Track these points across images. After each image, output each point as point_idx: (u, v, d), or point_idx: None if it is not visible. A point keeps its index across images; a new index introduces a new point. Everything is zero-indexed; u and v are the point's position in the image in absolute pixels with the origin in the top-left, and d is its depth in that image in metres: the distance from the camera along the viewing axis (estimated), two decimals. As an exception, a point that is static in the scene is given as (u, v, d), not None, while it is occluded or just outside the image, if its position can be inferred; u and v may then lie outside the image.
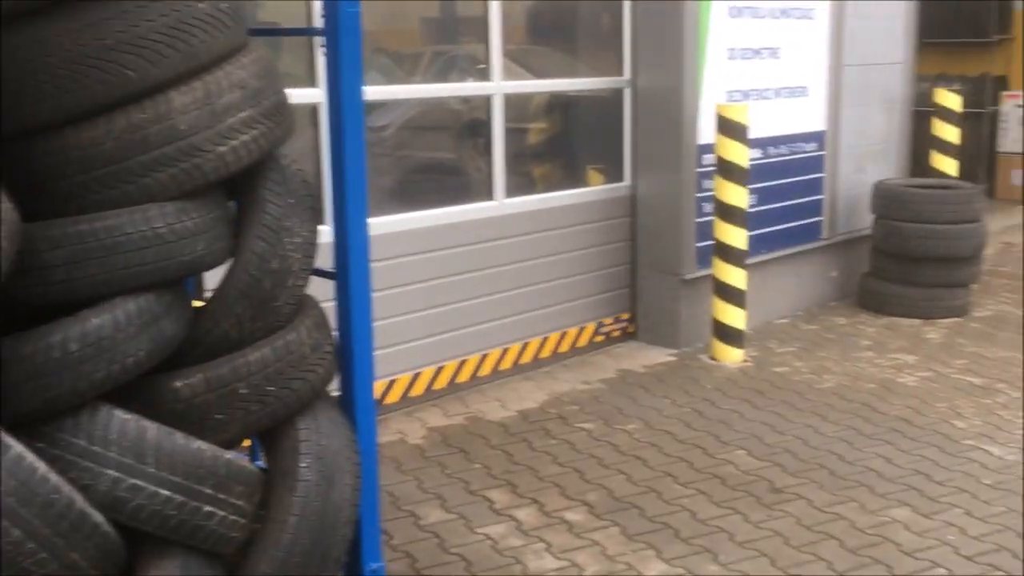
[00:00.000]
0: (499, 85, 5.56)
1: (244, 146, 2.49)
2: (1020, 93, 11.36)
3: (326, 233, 2.80)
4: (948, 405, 5.27)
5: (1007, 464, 4.54)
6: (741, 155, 5.72)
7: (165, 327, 2.43)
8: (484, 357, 5.65)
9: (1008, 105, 11.42)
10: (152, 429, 2.35)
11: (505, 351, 5.75)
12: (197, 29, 2.42)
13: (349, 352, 2.87)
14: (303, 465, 2.58)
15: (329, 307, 2.85)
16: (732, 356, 5.95)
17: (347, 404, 2.89)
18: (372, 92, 5.09)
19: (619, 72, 6.18)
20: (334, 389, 2.86)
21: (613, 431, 4.98)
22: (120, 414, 2.32)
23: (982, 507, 4.13)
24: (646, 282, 6.28)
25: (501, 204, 5.63)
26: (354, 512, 2.70)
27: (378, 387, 5.14)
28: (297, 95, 4.44)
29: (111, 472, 2.27)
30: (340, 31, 2.71)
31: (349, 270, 2.84)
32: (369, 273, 2.89)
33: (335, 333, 2.86)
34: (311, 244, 2.69)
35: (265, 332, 2.60)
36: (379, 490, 3.02)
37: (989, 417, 5.10)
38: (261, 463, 2.97)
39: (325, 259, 2.86)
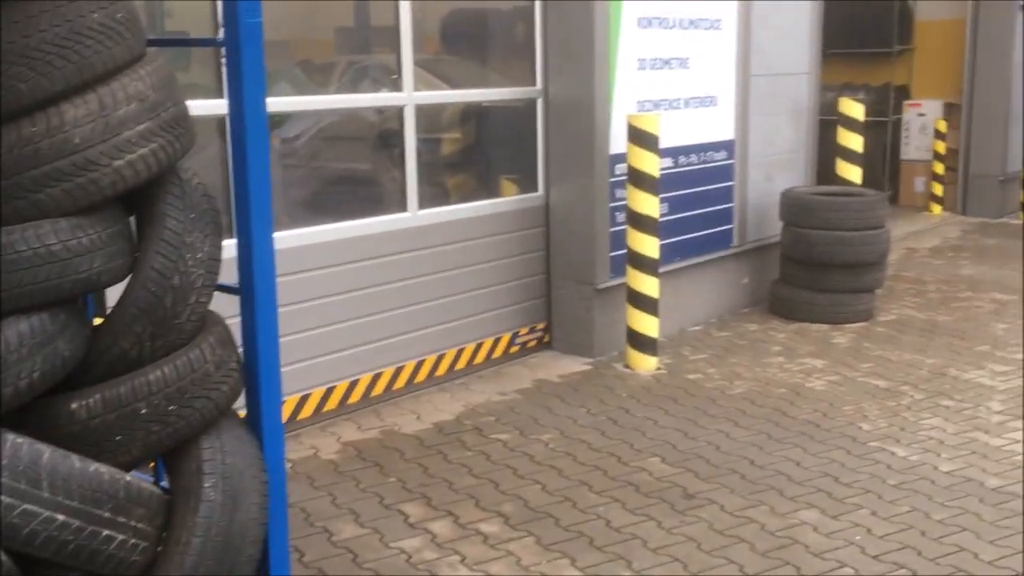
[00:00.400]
0: (411, 96, 5.54)
1: (142, 159, 2.43)
2: (921, 102, 11.74)
3: (230, 247, 2.74)
4: (855, 408, 5.40)
5: (910, 464, 4.66)
6: (652, 164, 5.79)
7: (60, 347, 2.35)
8: (399, 370, 5.61)
9: (910, 114, 11.80)
10: (47, 452, 2.27)
11: (420, 363, 5.72)
12: (91, 40, 2.35)
13: (255, 369, 2.82)
14: (207, 485, 2.52)
15: (235, 323, 2.79)
16: (646, 364, 6.01)
17: (254, 422, 2.84)
18: (280, 103, 5.05)
19: (532, 82, 6.21)
20: (241, 406, 2.81)
21: (529, 441, 4.99)
22: (13, 438, 2.24)
23: (887, 507, 4.23)
24: (560, 292, 6.31)
25: (415, 215, 5.61)
26: (261, 531, 2.65)
27: (291, 402, 5.07)
28: (204, 106, 4.38)
29: (3, 498, 2.19)
30: (241, 42, 2.66)
31: (254, 285, 2.79)
32: (275, 288, 2.84)
33: (241, 350, 2.81)
34: (214, 259, 2.63)
35: (166, 350, 2.54)
36: (288, 507, 2.97)
37: (893, 419, 5.23)
38: (165, 484, 2.90)
39: (230, 274, 2.81)
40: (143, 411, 2.45)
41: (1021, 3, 10.86)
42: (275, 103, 5.02)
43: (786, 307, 7.20)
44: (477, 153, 6.44)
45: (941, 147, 11.28)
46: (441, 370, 5.84)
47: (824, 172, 8.27)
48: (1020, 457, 4.71)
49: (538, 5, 6.10)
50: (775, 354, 6.37)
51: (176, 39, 4.72)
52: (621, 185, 6.10)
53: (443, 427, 5.20)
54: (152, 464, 3.27)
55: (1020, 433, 4.99)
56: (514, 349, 6.25)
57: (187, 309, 2.55)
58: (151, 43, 2.65)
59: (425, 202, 5.68)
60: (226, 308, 2.86)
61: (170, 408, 2.49)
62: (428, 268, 5.68)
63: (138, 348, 2.50)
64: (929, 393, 5.61)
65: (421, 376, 5.73)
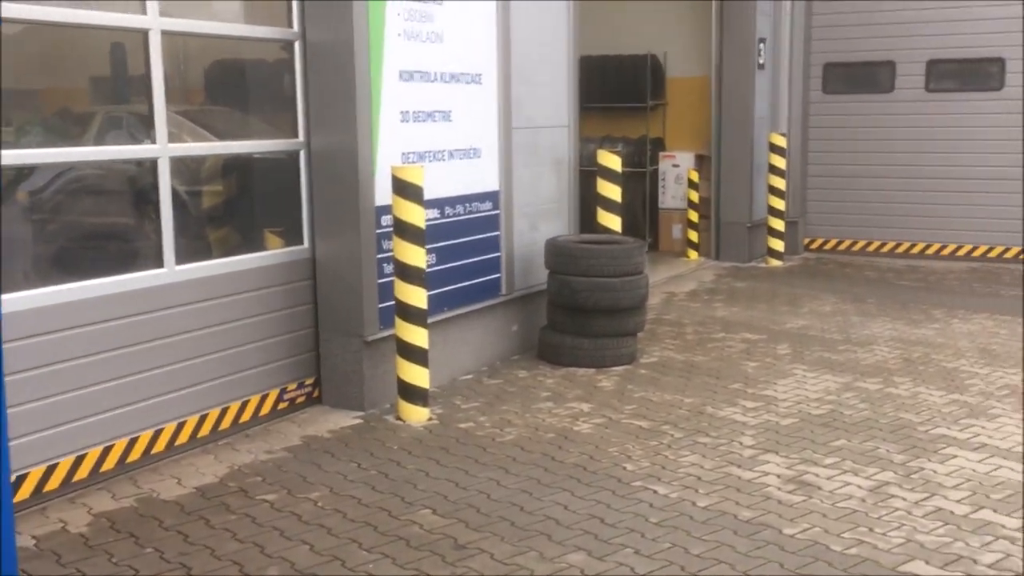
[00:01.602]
0: (164, 148, 5.33)
1: None
2: (675, 154, 12.44)
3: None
4: (619, 449, 5.57)
5: (671, 501, 4.84)
6: (417, 216, 5.82)
7: None
8: (158, 432, 5.32)
9: (665, 165, 12.46)
10: None
11: (181, 424, 5.45)
12: None
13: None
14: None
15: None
16: (417, 415, 5.98)
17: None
18: (25, 155, 4.73)
19: (294, 134, 6.11)
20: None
21: (297, 500, 4.83)
22: None
23: (650, 545, 4.37)
24: (329, 345, 6.20)
25: (172, 271, 5.37)
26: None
27: (36, 474, 4.70)
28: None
29: None
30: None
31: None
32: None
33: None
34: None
35: None
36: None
37: (655, 458, 5.43)
38: None
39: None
40: None
41: (759, 62, 11.74)
42: (20, 155, 4.71)
43: (554, 353, 7.37)
44: (240, 206, 6.26)
45: (695, 196, 11.96)
46: (204, 431, 5.59)
47: (588, 221, 8.58)
48: (771, 488, 4.98)
49: (298, 57, 6.04)
50: (544, 399, 6.50)
51: None
52: (388, 236, 6.09)
53: (206, 491, 4.96)
54: None
55: (770, 465, 5.29)
56: (282, 405, 6.07)
57: None
58: None
59: (183, 257, 5.45)
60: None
61: None
62: (188, 325, 5.44)
63: None
64: (688, 431, 5.86)
65: (183, 438, 5.46)
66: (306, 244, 6.18)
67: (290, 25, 6.02)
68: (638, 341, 7.61)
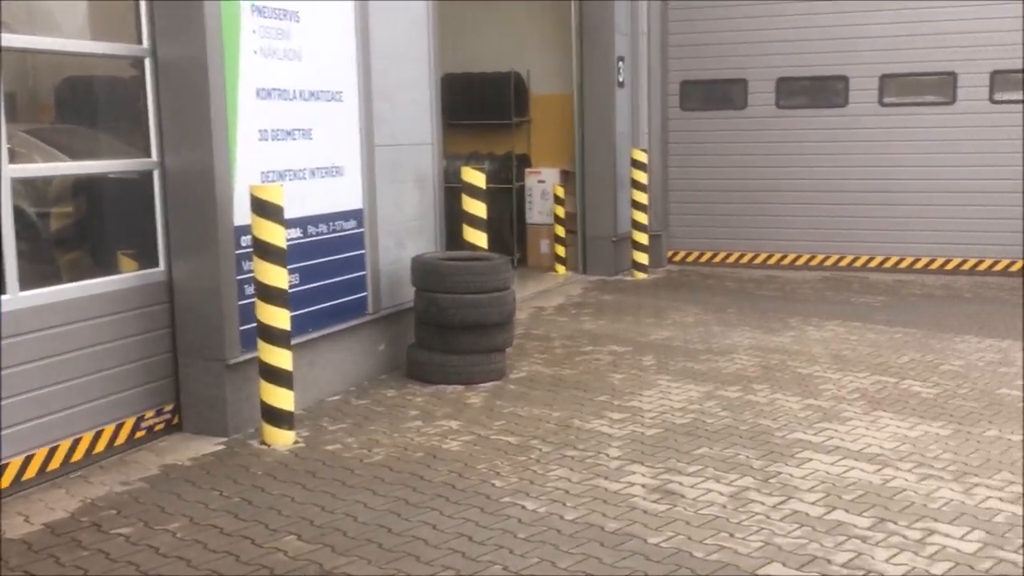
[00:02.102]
0: (4, 168, 5.07)
1: None
2: (540, 170, 12.58)
3: None
4: (488, 466, 5.57)
5: (539, 516, 4.86)
6: (278, 235, 5.71)
7: None
8: (3, 468, 5.05)
9: (531, 181, 12.59)
10: None
11: (29, 458, 5.19)
12: None
13: None
14: None
15: None
16: (283, 439, 5.85)
17: None
18: None
19: (147, 153, 5.92)
20: None
21: (154, 533, 4.65)
22: None
23: (518, 561, 4.37)
24: (189, 370, 6.02)
25: (15, 297, 5.11)
26: None
27: None
28: None
29: None
30: None
31: None
32: None
33: None
34: None
35: None
36: None
37: (524, 473, 5.45)
38: None
39: None
40: None
41: (619, 80, 11.99)
42: None
43: (423, 371, 7.33)
44: (92, 228, 6.03)
45: (561, 211, 12.11)
46: (54, 464, 5.33)
47: (456, 238, 8.58)
48: (636, 499, 5.06)
49: (149, 74, 5.85)
50: (413, 418, 6.45)
51: None
52: (248, 257, 5.95)
53: (56, 527, 4.72)
54: None
55: (636, 476, 5.38)
56: (140, 434, 5.85)
57: None
58: None
59: (29, 282, 5.20)
60: None
61: None
62: (34, 354, 5.19)
63: None
64: (556, 445, 5.91)
65: (30, 472, 5.20)
66: (162, 266, 5.99)
67: (139, 42, 5.83)
68: (507, 357, 7.64)
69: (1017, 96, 11.57)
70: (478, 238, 8.04)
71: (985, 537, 4.54)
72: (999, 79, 11.66)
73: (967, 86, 11.74)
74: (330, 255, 6.88)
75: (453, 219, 8.59)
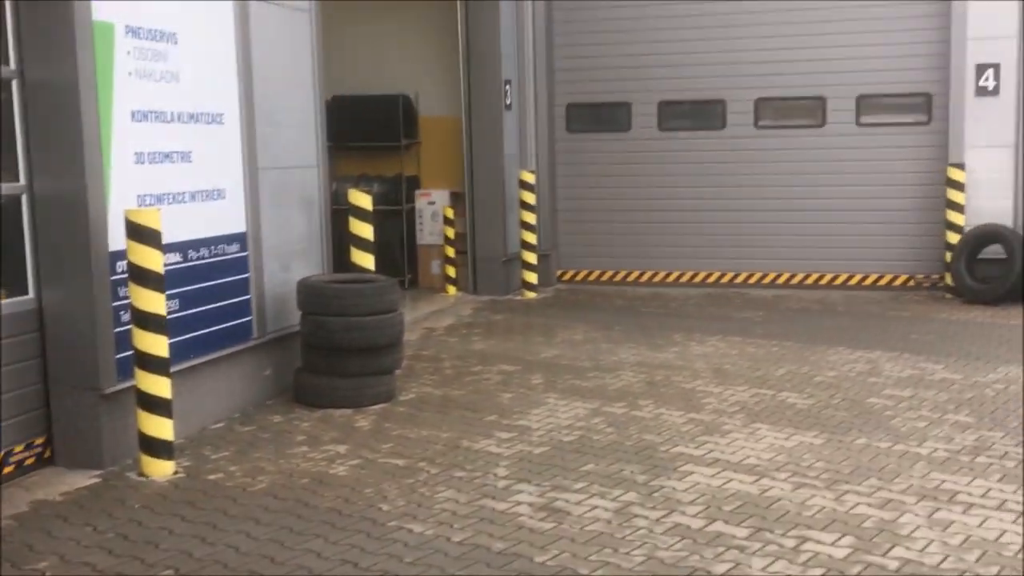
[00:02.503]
0: None
1: None
2: (430, 192, 12.60)
3: None
4: (375, 490, 5.52)
5: (426, 539, 4.84)
6: (155, 260, 5.58)
7: None
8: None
9: (421, 202, 12.60)
10: None
11: None
12: None
13: None
14: None
15: None
16: (162, 470, 5.71)
17: None
18: None
19: (15, 177, 5.73)
20: None
21: (22, 574, 4.48)
22: None
23: (403, 585, 4.35)
24: (62, 401, 5.82)
25: None
26: None
27: None
28: None
29: None
30: None
31: None
32: None
33: None
34: None
35: None
36: None
37: (411, 496, 5.43)
38: None
39: None
40: None
41: (507, 103, 12.11)
42: None
43: (310, 395, 7.25)
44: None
45: (451, 232, 12.14)
46: (-83, 504, 5.09)
47: (345, 260, 8.51)
48: (523, 518, 5.08)
49: (16, 96, 5.67)
50: (299, 444, 6.37)
51: None
52: (125, 283, 5.80)
53: (-83, 571, 4.51)
54: None
55: (523, 495, 5.41)
56: (8, 469, 5.62)
57: None
58: None
59: None
60: None
61: None
62: None
63: None
64: (444, 466, 5.90)
65: None
66: (31, 294, 5.79)
67: (5, 63, 5.65)
68: (396, 378, 7.60)
69: (881, 119, 12.12)
70: (365, 260, 8.01)
71: (855, 543, 4.71)
72: (864, 103, 12.19)
73: (836, 110, 12.24)
74: (212, 279, 6.75)
75: (344, 241, 8.53)
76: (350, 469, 5.87)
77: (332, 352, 7.18)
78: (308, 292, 7.26)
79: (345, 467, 5.91)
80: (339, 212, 8.43)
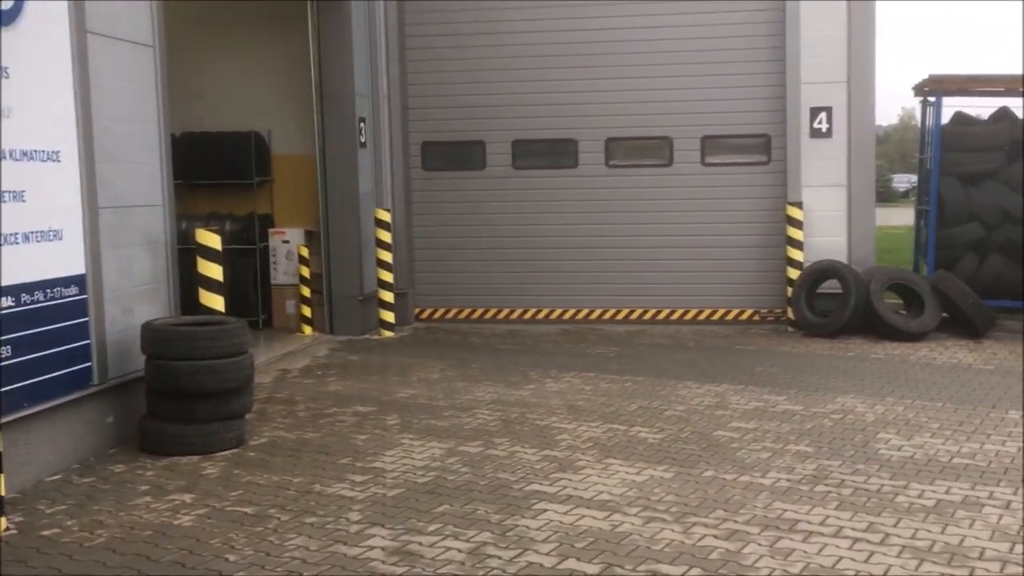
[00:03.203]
0: None
1: None
2: (284, 230, 12.40)
3: None
4: (222, 540, 5.35)
5: (274, 588, 4.72)
6: (-16, 306, 5.31)
7: None
8: None
9: (275, 241, 12.39)
10: None
11: None
12: None
13: None
14: None
15: None
16: (-9, 526, 5.40)
17: None
18: None
19: None
20: None
21: None
22: None
23: (250, 638, 4.22)
24: None
25: None
26: None
27: None
28: None
29: None
30: None
31: None
32: None
33: None
34: None
35: None
36: None
37: (260, 545, 5.28)
38: None
39: None
40: None
41: (361, 141, 12.07)
42: None
43: (156, 442, 6.99)
44: None
45: (306, 271, 11.97)
46: None
47: (195, 301, 8.26)
48: (375, 563, 5.01)
49: None
50: (142, 494, 6.12)
51: None
52: (-50, 330, 5.50)
53: None
54: None
55: (376, 539, 5.33)
56: None
57: None
58: None
59: None
60: None
61: None
62: None
63: None
64: (295, 512, 5.77)
65: None
66: None
67: None
68: (246, 423, 7.41)
69: (724, 159, 12.63)
70: (215, 301, 7.81)
71: (701, 574, 4.83)
72: (709, 143, 12.68)
73: (682, 150, 12.69)
74: (48, 324, 6.46)
75: (193, 282, 8.28)
76: (196, 519, 5.68)
77: (179, 397, 6.95)
78: (153, 335, 7.02)
79: (191, 517, 5.71)
80: (188, 252, 8.21)
